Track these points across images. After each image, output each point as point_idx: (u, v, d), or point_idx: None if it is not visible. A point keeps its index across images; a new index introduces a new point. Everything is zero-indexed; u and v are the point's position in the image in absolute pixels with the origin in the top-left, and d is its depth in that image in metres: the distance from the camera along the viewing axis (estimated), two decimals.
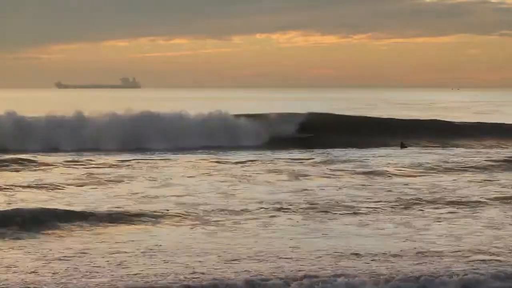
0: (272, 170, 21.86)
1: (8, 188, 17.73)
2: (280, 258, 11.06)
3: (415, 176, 20.57)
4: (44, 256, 11.11)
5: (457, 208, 15.40)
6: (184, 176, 20.51)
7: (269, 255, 11.22)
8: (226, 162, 24.03)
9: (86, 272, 10.22)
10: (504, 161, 24.03)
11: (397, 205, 15.68)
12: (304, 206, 15.48)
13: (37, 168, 22.06)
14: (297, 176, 20.58)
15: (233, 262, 10.82)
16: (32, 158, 24.00)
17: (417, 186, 18.55)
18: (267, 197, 16.55)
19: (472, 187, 18.40)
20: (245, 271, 10.26)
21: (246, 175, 20.57)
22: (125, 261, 10.82)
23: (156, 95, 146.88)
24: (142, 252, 11.37)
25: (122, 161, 24.05)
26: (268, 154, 26.89)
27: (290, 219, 14.25)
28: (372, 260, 10.98)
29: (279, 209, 15.09)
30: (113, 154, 26.56)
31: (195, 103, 72.49)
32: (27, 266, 10.51)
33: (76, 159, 24.61)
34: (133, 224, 13.71)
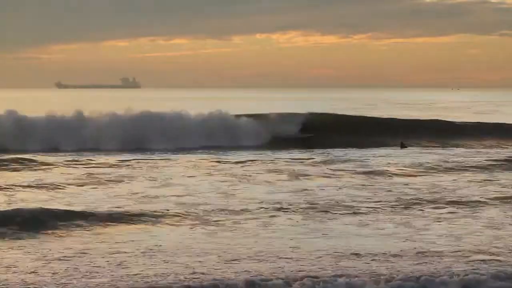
0: (272, 170, 21.86)
1: (8, 188, 17.73)
2: (280, 258, 11.06)
3: (415, 176, 20.57)
4: (44, 256, 11.11)
5: (457, 208, 15.40)
6: (184, 176, 20.51)
7: (269, 255, 11.22)
8: (226, 162, 24.02)
9: (86, 272, 10.21)
10: (504, 161, 24.02)
11: (397, 205, 15.68)
12: (304, 206, 15.48)
13: (37, 168, 22.05)
14: (297, 176, 20.58)
15: (233, 262, 10.82)
16: (32, 158, 23.99)
17: (417, 186, 18.55)
18: (267, 197, 16.55)
19: (472, 187, 18.40)
20: (245, 271, 10.26)
21: (246, 175, 20.57)
22: (125, 261, 10.81)
23: (156, 95, 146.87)
24: (142, 252, 11.37)
25: (122, 161, 24.05)
26: (268, 154, 26.89)
27: (290, 219, 14.25)
28: (372, 260, 10.98)
29: (279, 209, 15.09)
30: (113, 154, 26.56)
31: (195, 103, 72.49)
32: (27, 266, 10.50)
33: (76, 159, 24.61)
34: (133, 224, 13.71)
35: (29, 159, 23.79)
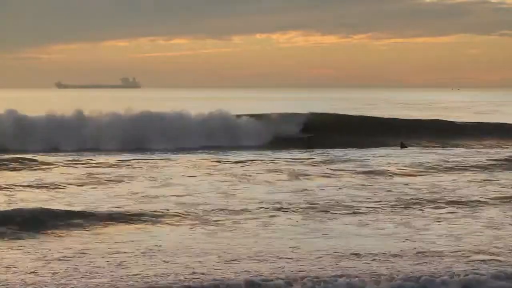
0: (273, 170, 21.85)
1: (8, 188, 17.72)
2: (280, 258, 11.05)
3: (415, 176, 20.57)
4: (44, 256, 11.10)
5: (457, 208, 15.39)
6: (184, 176, 20.51)
7: (269, 255, 11.21)
8: (226, 162, 24.02)
9: (86, 272, 10.21)
10: (504, 161, 24.01)
11: (397, 205, 15.67)
12: (304, 206, 15.47)
13: (37, 168, 22.04)
14: (297, 176, 20.57)
15: (233, 262, 10.81)
16: (32, 158, 23.98)
17: (417, 186, 18.54)
18: (267, 197, 16.54)
19: (472, 187, 18.39)
20: (245, 271, 10.25)
21: (246, 175, 20.57)
22: (125, 261, 10.81)
23: (156, 95, 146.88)
24: (142, 253, 11.36)
25: (122, 161, 24.04)
26: (269, 154, 26.89)
27: (290, 219, 14.24)
28: (372, 260, 10.98)
29: (279, 209, 15.09)
30: (113, 154, 26.55)
31: (195, 103, 72.46)
32: (27, 266, 10.50)
33: (76, 159, 24.60)
34: (133, 224, 13.70)
35: (29, 159, 23.78)
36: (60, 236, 12.71)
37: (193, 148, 29.71)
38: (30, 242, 12.15)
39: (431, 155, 26.64)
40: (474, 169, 22.11)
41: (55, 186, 18.13)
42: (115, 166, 22.69)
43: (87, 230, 13.11)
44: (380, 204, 15.73)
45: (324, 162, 23.79)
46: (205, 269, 10.35)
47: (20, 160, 23.33)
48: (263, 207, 15.23)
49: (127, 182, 19.07)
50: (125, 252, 11.35)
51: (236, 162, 23.80)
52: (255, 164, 23.40)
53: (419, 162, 23.56)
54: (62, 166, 22.59)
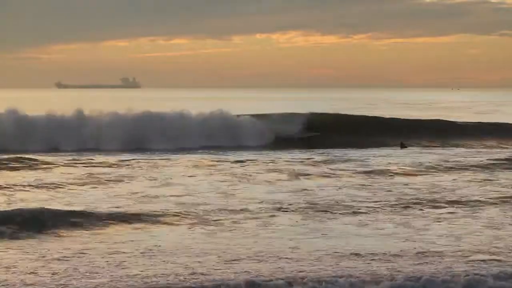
0: (273, 169, 21.85)
1: (8, 188, 17.71)
2: (280, 258, 11.05)
3: (415, 176, 20.56)
4: (44, 257, 11.09)
5: (457, 208, 15.39)
6: (184, 176, 20.51)
7: (269, 255, 11.20)
8: (226, 162, 24.00)
9: (86, 272, 10.20)
10: (505, 160, 24.01)
11: (397, 205, 15.66)
12: (304, 206, 15.47)
13: (37, 168, 22.04)
14: (297, 175, 20.56)
15: (233, 262, 10.80)
16: (32, 158, 23.97)
17: (417, 186, 18.54)
18: (267, 197, 16.53)
19: (472, 187, 18.38)
20: (245, 271, 10.24)
21: (246, 175, 20.56)
22: (124, 261, 10.80)
23: (156, 95, 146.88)
24: (141, 253, 11.35)
25: (122, 160, 24.03)
26: (269, 154, 26.89)
27: (290, 219, 14.24)
28: (372, 260, 10.97)
29: (279, 209, 15.08)
30: (113, 154, 26.55)
31: (195, 103, 72.44)
32: (26, 267, 10.49)
33: (76, 158, 24.59)
34: (132, 224, 13.69)
35: (29, 158, 23.77)
36: (60, 236, 12.71)
37: (193, 148, 29.71)
38: (29, 242, 12.14)
39: (431, 155, 26.63)
40: (474, 169, 22.10)
41: (55, 186, 18.13)
42: (115, 166, 22.69)
43: (86, 230, 13.10)
44: (380, 204, 15.73)
45: (324, 162, 23.79)
46: (205, 269, 10.34)
47: (20, 160, 23.32)
48: (263, 207, 15.22)
49: (127, 182, 19.07)
50: (124, 252, 11.34)
51: (236, 162, 23.79)
52: (255, 164, 23.39)
53: (419, 162, 23.55)
54: (62, 166, 22.58)
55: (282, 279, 9.83)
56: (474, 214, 14.77)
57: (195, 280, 9.81)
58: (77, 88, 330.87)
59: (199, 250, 11.55)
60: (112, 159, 24.64)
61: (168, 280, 9.78)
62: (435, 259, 11.03)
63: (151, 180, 19.55)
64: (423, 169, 21.93)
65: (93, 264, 10.64)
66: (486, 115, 55.78)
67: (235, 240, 12.32)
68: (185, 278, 9.88)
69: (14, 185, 18.25)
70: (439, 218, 14.40)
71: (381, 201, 16.08)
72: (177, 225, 13.64)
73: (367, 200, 16.29)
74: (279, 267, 10.47)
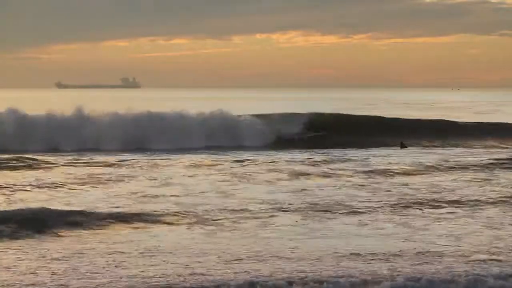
0: (273, 169, 21.84)
1: (8, 188, 17.71)
2: (280, 258, 11.04)
3: (415, 176, 20.56)
4: (43, 256, 11.09)
5: (457, 208, 15.38)
6: (184, 176, 20.50)
7: (269, 255, 11.20)
8: (226, 162, 24.00)
9: (85, 272, 10.19)
10: (505, 160, 24.00)
11: (397, 205, 15.66)
12: (303, 206, 15.46)
13: (38, 168, 22.04)
14: (297, 175, 20.56)
15: (233, 262, 10.80)
16: (32, 157, 23.96)
17: (417, 186, 18.53)
18: (267, 197, 16.53)
19: (472, 187, 18.38)
20: (245, 271, 10.24)
21: (246, 175, 20.56)
22: (124, 261, 10.79)
23: (156, 95, 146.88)
24: (141, 253, 11.35)
25: (122, 160, 24.03)
26: (269, 154, 26.88)
27: (290, 219, 14.23)
28: (372, 260, 10.96)
29: (279, 209, 15.08)
30: (113, 154, 26.55)
31: (195, 103, 72.42)
32: (26, 267, 10.49)
33: (76, 158, 24.59)
34: (132, 224, 13.69)
35: (30, 158, 23.77)
36: (60, 236, 12.70)
37: (193, 148, 29.70)
38: (29, 242, 12.14)
39: (431, 155, 26.63)
40: (474, 168, 22.10)
41: (55, 186, 18.13)
42: (115, 166, 22.68)
43: (86, 230, 13.09)
44: (380, 204, 15.72)
45: (324, 162, 23.78)
46: (204, 269, 10.33)
47: (20, 160, 23.31)
48: (263, 207, 15.22)
49: (127, 182, 19.07)
50: (124, 252, 11.34)
51: (236, 162, 23.79)
52: (255, 164, 23.38)
53: (419, 162, 23.55)
54: (62, 166, 22.58)
55: (282, 279, 9.83)
56: (474, 214, 14.76)
57: (195, 280, 9.81)
58: (77, 88, 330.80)
59: (199, 250, 11.55)
60: (112, 159, 24.64)
61: (168, 280, 9.78)
62: (435, 259, 11.02)
63: (151, 180, 19.55)
64: (423, 169, 21.93)
65: (93, 264, 10.63)
66: (486, 115, 55.79)
67: (235, 240, 12.32)
68: (185, 278, 9.88)
69: (14, 185, 18.25)
70: (439, 218, 14.40)
71: (381, 201, 16.08)
72: (177, 225, 13.64)
73: (367, 200, 16.28)
74: (279, 267, 10.47)
